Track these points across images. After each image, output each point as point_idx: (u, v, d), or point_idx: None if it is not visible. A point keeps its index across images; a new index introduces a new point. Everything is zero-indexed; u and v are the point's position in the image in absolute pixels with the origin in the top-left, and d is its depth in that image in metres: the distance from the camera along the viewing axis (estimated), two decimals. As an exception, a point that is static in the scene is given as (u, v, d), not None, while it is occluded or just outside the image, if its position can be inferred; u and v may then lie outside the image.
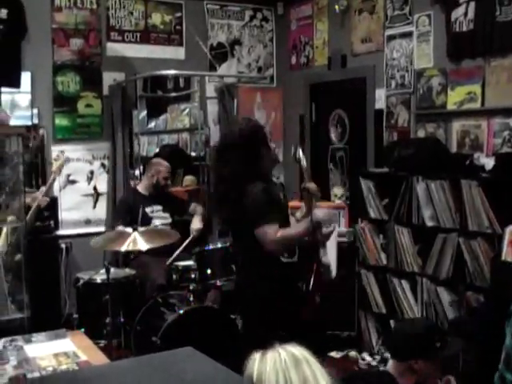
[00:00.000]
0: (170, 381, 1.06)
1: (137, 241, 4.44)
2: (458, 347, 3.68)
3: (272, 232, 3.59)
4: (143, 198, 5.76)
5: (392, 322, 5.33)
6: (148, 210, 5.68)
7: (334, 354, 5.50)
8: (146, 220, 5.59)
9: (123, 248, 4.42)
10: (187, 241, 5.39)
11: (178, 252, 5.22)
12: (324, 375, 1.71)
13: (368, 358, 5.38)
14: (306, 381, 1.67)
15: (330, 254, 3.90)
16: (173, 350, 1.23)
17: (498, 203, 4.39)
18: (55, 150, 6.13)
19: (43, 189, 5.17)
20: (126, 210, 5.67)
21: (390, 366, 3.04)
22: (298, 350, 1.74)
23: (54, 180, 5.28)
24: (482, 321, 4.18)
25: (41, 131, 6.07)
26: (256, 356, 1.72)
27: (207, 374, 1.12)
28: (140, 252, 5.45)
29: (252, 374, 1.69)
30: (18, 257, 4.40)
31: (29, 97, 5.98)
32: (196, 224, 5.66)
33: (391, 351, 3.13)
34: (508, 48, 4.79)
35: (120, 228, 5.37)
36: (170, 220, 5.79)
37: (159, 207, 5.76)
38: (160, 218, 5.73)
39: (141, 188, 5.86)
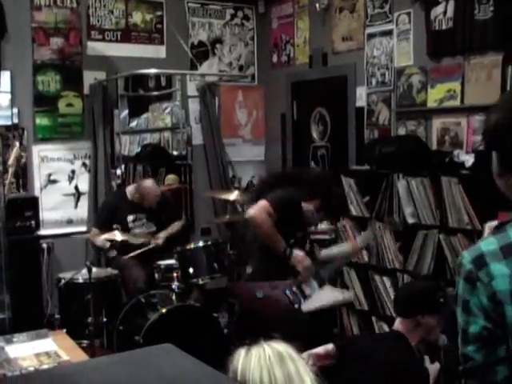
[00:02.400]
0: (149, 376, 1.07)
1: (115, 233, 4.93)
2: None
3: (262, 207, 3.85)
4: (128, 204, 5.68)
5: (374, 319, 5.37)
6: (130, 218, 5.62)
7: (316, 351, 5.50)
8: (125, 228, 5.54)
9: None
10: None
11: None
12: (308, 372, 1.72)
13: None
14: (290, 377, 1.68)
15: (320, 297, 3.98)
16: (151, 347, 1.24)
17: (477, 200, 4.42)
18: (36, 150, 6.11)
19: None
20: (106, 215, 5.67)
21: (398, 324, 3.26)
22: (282, 347, 1.75)
23: (11, 173, 5.21)
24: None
25: (21, 131, 6.03)
26: (241, 352, 1.73)
27: (186, 369, 1.13)
28: (120, 253, 5.45)
29: (237, 369, 1.70)
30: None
31: (9, 96, 5.94)
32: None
33: (399, 309, 3.33)
34: (487, 46, 4.82)
35: (94, 231, 5.43)
36: (153, 229, 5.71)
37: (143, 215, 5.69)
38: (141, 227, 5.67)
39: (129, 192, 5.76)
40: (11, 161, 5.22)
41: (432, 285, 3.45)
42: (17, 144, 5.74)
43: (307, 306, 3.87)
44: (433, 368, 3.16)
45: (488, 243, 1.77)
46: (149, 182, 5.73)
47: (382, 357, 3.10)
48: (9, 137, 5.89)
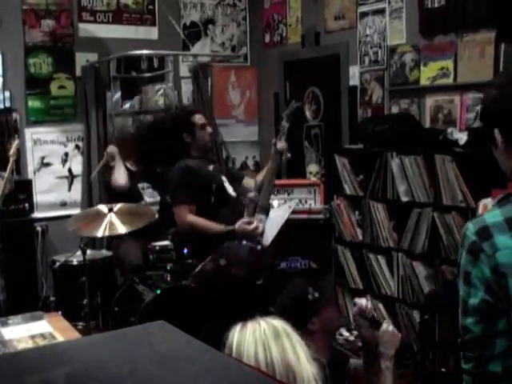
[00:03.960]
0: (142, 353, 1.07)
1: (114, 223, 4.46)
2: (329, 281, 3.68)
3: (181, 214, 4.00)
4: (134, 173, 5.71)
5: (369, 297, 5.38)
6: (139, 185, 5.68)
7: (312, 330, 5.52)
8: (138, 196, 5.59)
9: (99, 233, 4.44)
10: None
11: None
12: (304, 348, 1.73)
13: (345, 333, 5.41)
14: (285, 352, 1.68)
15: (270, 224, 3.98)
16: (144, 324, 1.24)
17: (471, 177, 4.43)
18: (29, 133, 6.09)
19: (4, 174, 5.07)
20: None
21: None
22: (278, 323, 1.75)
23: (13, 163, 5.21)
24: (457, 293, 4.22)
25: (13, 114, 6.01)
26: (236, 327, 1.73)
27: (179, 345, 1.13)
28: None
29: (232, 344, 1.70)
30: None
31: (0, 80, 5.91)
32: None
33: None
34: (480, 23, 4.80)
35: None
36: (158, 198, 5.72)
37: (148, 185, 5.74)
38: (150, 194, 5.70)
39: (129, 164, 5.75)
40: (12, 152, 5.21)
41: (298, 286, 3.11)
42: (16, 137, 5.72)
43: (267, 239, 3.89)
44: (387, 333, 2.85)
45: (493, 215, 1.77)
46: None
47: None
48: (1, 120, 5.88)
